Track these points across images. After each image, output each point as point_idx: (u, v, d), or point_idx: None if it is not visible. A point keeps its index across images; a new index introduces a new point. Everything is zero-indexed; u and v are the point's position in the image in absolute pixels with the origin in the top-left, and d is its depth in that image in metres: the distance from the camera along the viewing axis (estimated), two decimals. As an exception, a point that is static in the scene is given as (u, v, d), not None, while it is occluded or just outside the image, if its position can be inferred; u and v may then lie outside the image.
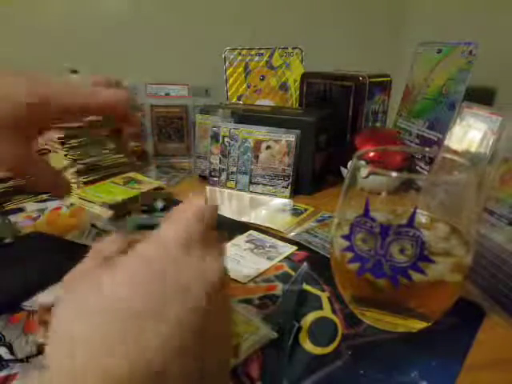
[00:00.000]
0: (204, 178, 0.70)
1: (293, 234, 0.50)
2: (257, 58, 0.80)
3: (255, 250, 0.46)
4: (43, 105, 0.38)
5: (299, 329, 0.33)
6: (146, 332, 0.18)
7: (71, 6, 0.85)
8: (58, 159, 0.60)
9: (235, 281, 0.40)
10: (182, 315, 0.19)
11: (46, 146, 0.61)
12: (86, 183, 0.59)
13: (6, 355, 0.30)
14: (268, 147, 0.63)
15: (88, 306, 0.19)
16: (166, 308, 0.19)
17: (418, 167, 0.60)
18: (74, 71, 0.64)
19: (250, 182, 0.64)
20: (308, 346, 0.31)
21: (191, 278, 0.20)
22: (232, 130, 0.65)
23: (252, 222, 0.53)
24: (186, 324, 0.19)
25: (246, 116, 0.66)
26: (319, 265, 0.43)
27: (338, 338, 0.32)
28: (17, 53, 0.85)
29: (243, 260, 0.44)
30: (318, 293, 0.38)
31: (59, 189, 0.41)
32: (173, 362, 0.18)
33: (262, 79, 0.81)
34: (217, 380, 0.21)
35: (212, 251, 0.22)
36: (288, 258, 0.44)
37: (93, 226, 0.51)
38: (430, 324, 0.32)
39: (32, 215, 0.55)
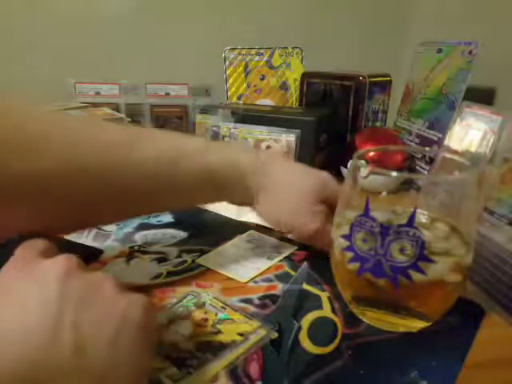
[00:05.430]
0: (204, 178, 0.69)
1: (293, 233, 0.50)
2: (257, 58, 0.80)
3: (255, 250, 0.46)
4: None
5: (299, 329, 0.33)
6: None
7: (71, 6, 0.85)
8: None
9: (235, 281, 0.40)
10: None
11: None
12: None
13: (6, 355, 0.30)
14: (268, 147, 0.63)
15: None
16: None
17: (418, 167, 0.60)
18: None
19: (250, 182, 0.64)
20: (308, 345, 0.31)
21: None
22: (232, 130, 0.65)
23: (252, 221, 0.53)
24: None
25: (246, 116, 0.66)
26: (319, 265, 0.43)
27: (338, 338, 0.32)
28: (17, 53, 0.85)
29: (243, 260, 0.44)
30: (318, 293, 0.38)
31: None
32: None
33: (262, 79, 0.81)
34: None
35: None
36: (288, 258, 0.44)
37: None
38: (429, 324, 0.32)
39: (32, 215, 0.55)
